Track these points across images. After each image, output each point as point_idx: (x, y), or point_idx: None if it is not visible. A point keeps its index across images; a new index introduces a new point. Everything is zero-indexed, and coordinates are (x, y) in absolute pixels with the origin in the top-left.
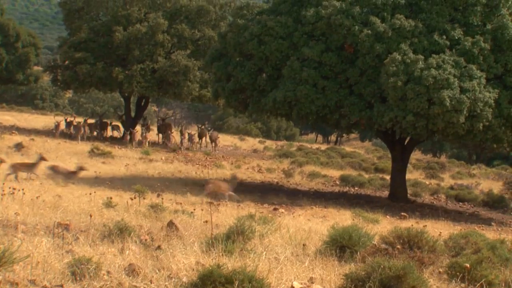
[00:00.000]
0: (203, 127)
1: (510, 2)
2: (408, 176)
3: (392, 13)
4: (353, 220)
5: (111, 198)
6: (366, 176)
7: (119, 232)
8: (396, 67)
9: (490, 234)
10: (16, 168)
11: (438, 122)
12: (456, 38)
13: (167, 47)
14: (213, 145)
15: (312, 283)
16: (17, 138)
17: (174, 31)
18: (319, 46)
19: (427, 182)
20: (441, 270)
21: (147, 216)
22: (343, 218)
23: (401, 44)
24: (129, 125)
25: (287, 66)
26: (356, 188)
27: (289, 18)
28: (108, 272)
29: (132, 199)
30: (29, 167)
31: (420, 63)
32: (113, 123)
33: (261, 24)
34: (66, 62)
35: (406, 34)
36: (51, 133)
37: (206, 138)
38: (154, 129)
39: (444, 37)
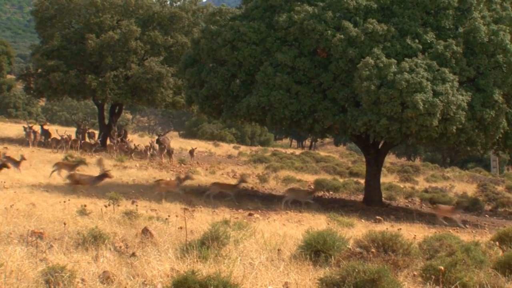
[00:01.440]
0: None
1: (481, 6)
2: (383, 179)
3: (365, 17)
4: (328, 224)
5: (85, 205)
6: (341, 180)
7: (93, 240)
8: (369, 71)
9: (465, 236)
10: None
11: (412, 126)
12: (429, 41)
13: (140, 54)
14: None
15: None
16: None
17: (147, 37)
18: (292, 51)
19: (402, 186)
20: (415, 273)
21: (121, 223)
22: (318, 222)
23: (374, 48)
24: (104, 132)
25: (260, 71)
26: (331, 193)
27: (262, 24)
28: (83, 280)
29: (106, 207)
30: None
31: (393, 67)
32: (90, 131)
33: (234, 30)
34: (39, 70)
35: (379, 38)
36: (24, 141)
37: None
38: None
39: (417, 40)
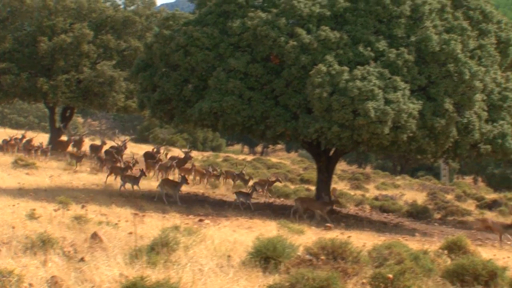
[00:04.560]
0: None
1: (433, 15)
2: (334, 186)
3: (318, 24)
4: (278, 231)
5: (34, 209)
6: (292, 187)
7: (42, 244)
8: (321, 78)
9: (414, 244)
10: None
11: (363, 133)
12: (381, 49)
13: (92, 57)
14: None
15: None
16: None
17: (99, 41)
18: (245, 57)
19: (352, 193)
20: (364, 281)
21: (70, 228)
22: (269, 229)
23: (326, 56)
24: (54, 136)
25: (213, 77)
26: (281, 199)
27: (215, 29)
28: (30, 285)
29: (56, 211)
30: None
31: (345, 74)
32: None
33: (187, 35)
34: None
35: (332, 46)
36: None
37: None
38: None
39: (369, 48)
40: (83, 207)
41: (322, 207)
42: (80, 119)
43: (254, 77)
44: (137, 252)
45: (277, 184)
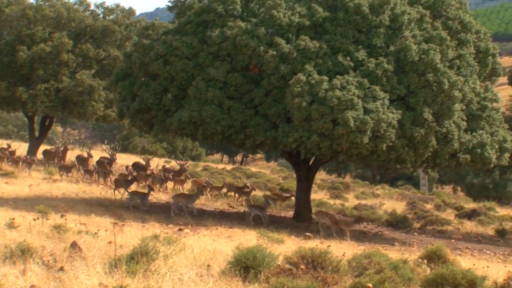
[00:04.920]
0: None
1: (412, 25)
2: (313, 196)
3: (297, 34)
4: (258, 240)
5: (13, 219)
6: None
7: (21, 253)
8: (301, 88)
9: (393, 254)
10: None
11: (342, 143)
12: (360, 59)
13: (71, 66)
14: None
15: None
16: None
17: (79, 50)
18: (225, 67)
19: (332, 202)
20: None
21: (50, 237)
22: (248, 238)
23: (305, 65)
24: (33, 145)
25: (192, 86)
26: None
27: (194, 39)
28: None
29: (35, 220)
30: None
31: (325, 84)
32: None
33: (166, 44)
34: None
35: (311, 55)
36: None
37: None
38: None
39: (348, 58)
40: (62, 216)
41: (348, 224)
42: (59, 128)
43: (234, 86)
44: (117, 261)
45: (257, 193)
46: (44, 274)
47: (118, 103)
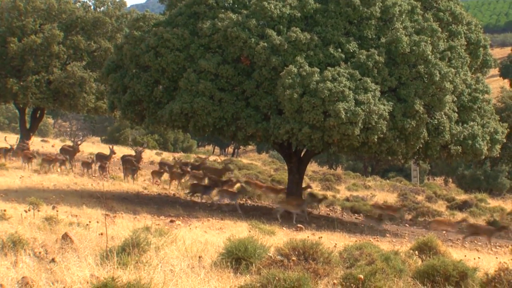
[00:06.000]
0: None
1: (403, 16)
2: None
3: (288, 26)
4: (250, 232)
5: (5, 210)
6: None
7: (13, 245)
8: (292, 80)
9: (385, 245)
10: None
11: (334, 134)
12: (351, 51)
13: (62, 58)
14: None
15: None
16: None
17: (70, 42)
18: (216, 58)
19: (323, 194)
20: (335, 281)
21: (41, 229)
22: (240, 230)
23: (297, 57)
24: (24, 138)
25: (183, 78)
26: (253, 200)
27: (185, 30)
28: (1, 286)
29: (26, 212)
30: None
31: (316, 75)
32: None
33: (157, 36)
34: None
35: (302, 47)
36: None
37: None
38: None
39: (339, 50)
40: (53, 208)
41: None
42: (51, 120)
43: (225, 78)
44: (108, 253)
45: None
46: (35, 265)
47: (109, 95)
